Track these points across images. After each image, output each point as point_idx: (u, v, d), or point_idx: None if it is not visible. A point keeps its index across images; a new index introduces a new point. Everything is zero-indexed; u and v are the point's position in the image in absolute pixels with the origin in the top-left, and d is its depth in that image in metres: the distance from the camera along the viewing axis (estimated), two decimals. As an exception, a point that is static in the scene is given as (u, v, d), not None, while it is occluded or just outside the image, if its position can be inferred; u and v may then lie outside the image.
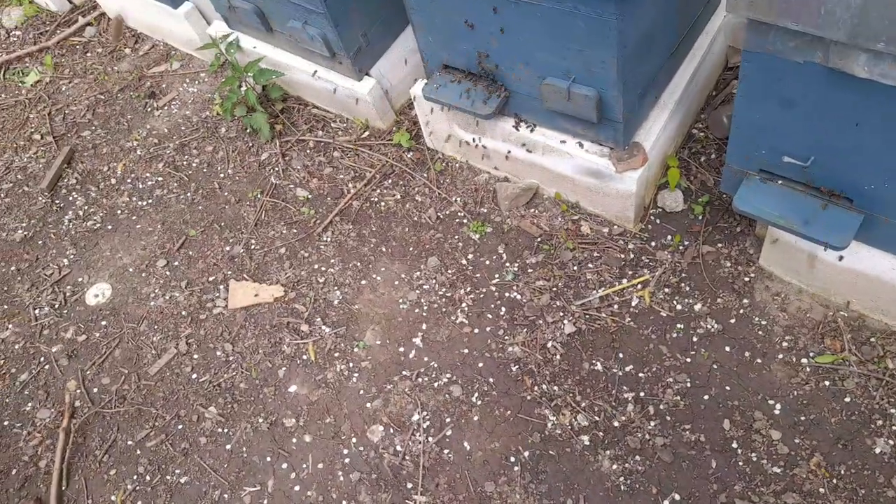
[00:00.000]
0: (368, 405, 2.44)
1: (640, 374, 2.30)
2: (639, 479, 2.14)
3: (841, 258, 2.10)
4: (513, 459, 2.24)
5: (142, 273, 2.97)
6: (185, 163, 3.28)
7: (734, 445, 2.13)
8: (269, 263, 2.85)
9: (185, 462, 2.47)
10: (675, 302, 2.40)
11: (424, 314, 2.58)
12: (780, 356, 2.23)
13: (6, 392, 2.78)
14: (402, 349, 2.53)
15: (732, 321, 2.33)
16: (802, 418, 2.13)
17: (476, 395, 2.38)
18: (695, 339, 2.32)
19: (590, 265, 2.54)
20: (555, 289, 2.51)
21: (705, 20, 2.51)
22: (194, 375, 2.65)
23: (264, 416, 2.50)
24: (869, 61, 1.47)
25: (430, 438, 2.33)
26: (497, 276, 2.60)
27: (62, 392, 2.72)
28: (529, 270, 2.58)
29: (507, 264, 2.62)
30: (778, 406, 2.16)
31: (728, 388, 2.22)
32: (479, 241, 2.70)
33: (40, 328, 2.92)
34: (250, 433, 2.48)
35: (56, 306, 2.96)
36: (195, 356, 2.69)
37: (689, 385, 2.25)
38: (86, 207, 3.25)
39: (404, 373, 2.48)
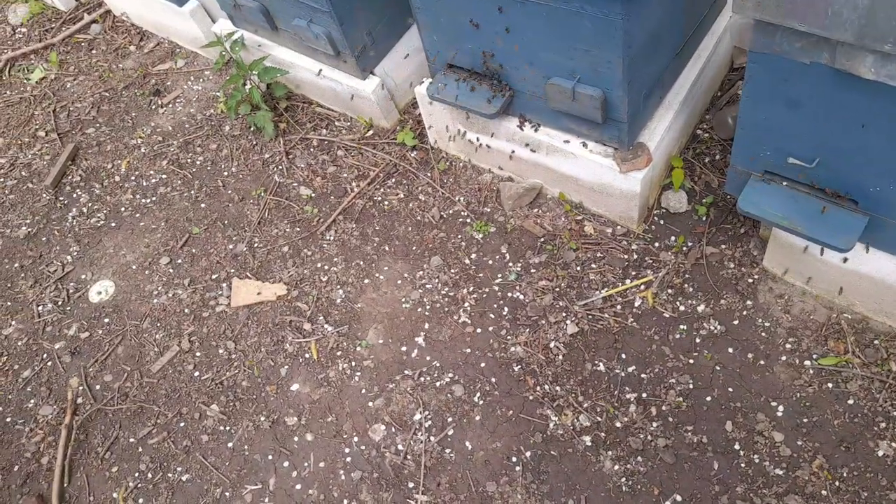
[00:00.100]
0: (370, 404, 2.44)
1: (643, 375, 2.30)
2: (640, 479, 2.13)
3: (845, 260, 2.09)
4: (514, 459, 2.24)
5: (145, 270, 2.97)
6: (188, 160, 3.29)
7: (736, 447, 2.12)
8: (272, 262, 2.86)
9: (186, 460, 2.47)
10: (678, 303, 2.40)
11: (427, 313, 2.58)
12: (784, 358, 2.23)
13: (9, 389, 2.78)
14: (404, 348, 2.53)
15: (735, 323, 2.32)
16: (805, 420, 2.12)
17: (478, 394, 2.38)
18: (698, 340, 2.32)
19: (593, 265, 2.53)
20: (558, 289, 2.51)
21: (711, 20, 2.51)
22: (196, 373, 2.65)
23: (266, 415, 2.50)
24: (876, 63, 1.47)
25: (431, 438, 2.33)
26: (500, 275, 2.60)
27: (65, 389, 2.72)
28: (532, 270, 2.58)
29: (510, 264, 2.62)
30: (781, 408, 2.15)
31: (731, 389, 2.21)
32: (483, 241, 2.70)
33: (43, 325, 2.92)
34: (252, 431, 2.48)
35: (59, 303, 2.97)
36: (197, 354, 2.69)
37: (691, 386, 2.24)
38: (89, 204, 3.25)
39: (406, 372, 2.47)
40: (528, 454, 2.24)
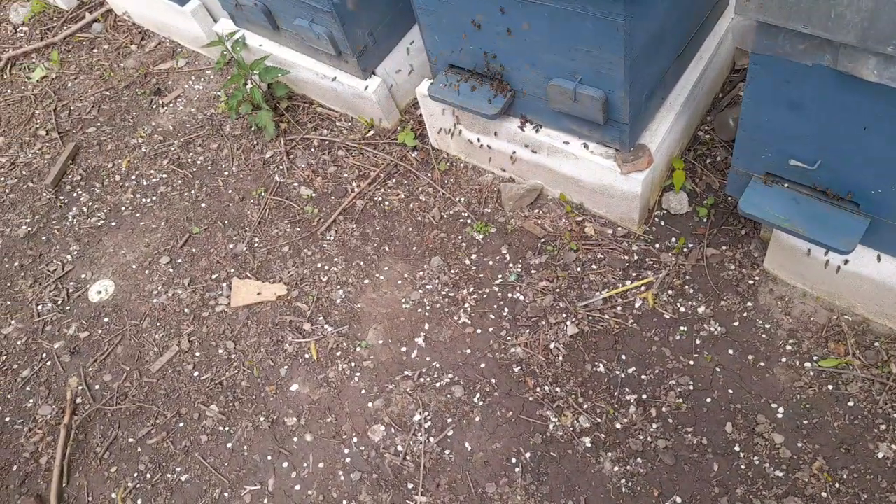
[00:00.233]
0: (370, 405, 2.44)
1: (643, 377, 2.29)
2: (640, 481, 2.13)
3: (846, 262, 2.09)
4: (514, 461, 2.24)
5: (145, 270, 2.97)
6: (189, 160, 3.28)
7: (736, 448, 2.12)
8: (273, 262, 2.85)
9: (185, 460, 2.47)
10: (678, 304, 2.40)
11: (427, 314, 2.58)
12: (784, 360, 2.23)
13: (8, 388, 2.78)
14: (404, 349, 2.52)
15: (736, 324, 2.32)
16: (805, 422, 2.12)
17: (478, 395, 2.38)
18: (698, 341, 2.32)
19: (593, 266, 2.53)
20: (558, 290, 2.51)
21: (713, 22, 2.51)
22: (196, 373, 2.64)
23: (265, 415, 2.50)
24: (878, 65, 1.46)
25: (431, 439, 2.33)
26: (500, 276, 2.60)
27: (64, 389, 2.72)
28: (533, 271, 2.58)
29: (511, 265, 2.62)
30: (781, 410, 2.15)
31: (731, 391, 2.21)
32: (483, 242, 2.70)
33: (43, 324, 2.92)
34: (251, 432, 2.48)
35: (59, 303, 2.96)
36: (197, 354, 2.69)
37: (691, 388, 2.24)
38: (90, 204, 3.25)
39: (406, 373, 2.47)
40: (527, 455, 2.24)
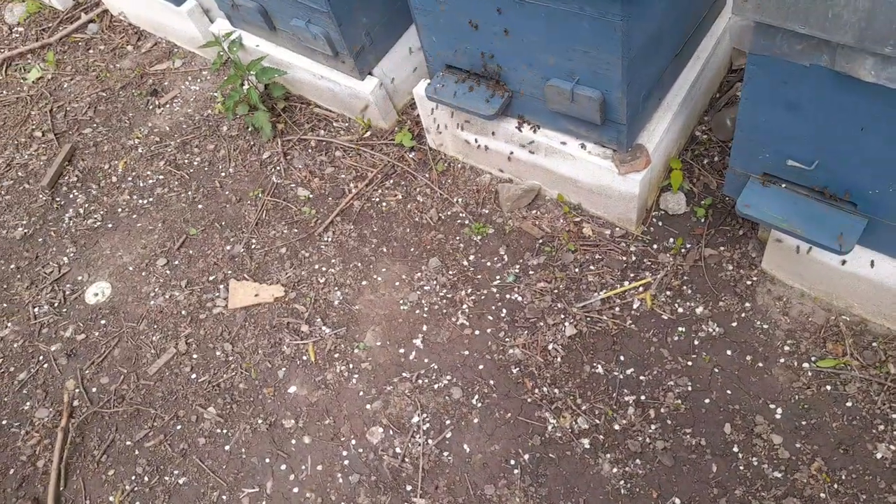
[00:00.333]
0: (368, 407, 2.43)
1: (641, 378, 2.29)
2: (639, 482, 2.13)
3: (844, 262, 2.09)
4: (513, 462, 2.24)
5: (142, 272, 2.96)
6: (186, 161, 3.27)
7: (735, 449, 2.12)
8: (270, 263, 2.85)
9: (183, 463, 2.46)
10: (676, 305, 2.39)
11: (425, 315, 2.58)
12: (782, 360, 2.23)
13: (4, 391, 2.77)
14: (402, 350, 2.52)
15: (734, 325, 2.32)
16: (804, 423, 2.12)
17: (476, 397, 2.37)
18: (696, 342, 2.32)
19: (591, 267, 2.53)
20: (556, 291, 2.50)
21: (710, 22, 2.51)
22: (193, 375, 2.64)
23: (263, 417, 2.49)
24: (876, 65, 1.46)
25: (429, 441, 2.32)
26: (498, 277, 2.59)
27: (61, 391, 2.71)
28: (531, 272, 2.57)
29: (509, 266, 2.61)
30: (779, 410, 2.15)
31: (729, 391, 2.21)
32: (481, 243, 2.69)
33: (39, 327, 2.91)
34: (249, 434, 2.47)
35: (55, 305, 2.95)
36: (194, 356, 2.68)
37: (690, 388, 2.24)
38: (86, 205, 3.24)
39: (404, 374, 2.47)
40: (526, 457, 2.23)
